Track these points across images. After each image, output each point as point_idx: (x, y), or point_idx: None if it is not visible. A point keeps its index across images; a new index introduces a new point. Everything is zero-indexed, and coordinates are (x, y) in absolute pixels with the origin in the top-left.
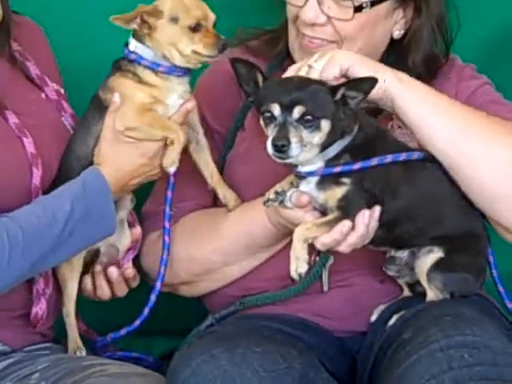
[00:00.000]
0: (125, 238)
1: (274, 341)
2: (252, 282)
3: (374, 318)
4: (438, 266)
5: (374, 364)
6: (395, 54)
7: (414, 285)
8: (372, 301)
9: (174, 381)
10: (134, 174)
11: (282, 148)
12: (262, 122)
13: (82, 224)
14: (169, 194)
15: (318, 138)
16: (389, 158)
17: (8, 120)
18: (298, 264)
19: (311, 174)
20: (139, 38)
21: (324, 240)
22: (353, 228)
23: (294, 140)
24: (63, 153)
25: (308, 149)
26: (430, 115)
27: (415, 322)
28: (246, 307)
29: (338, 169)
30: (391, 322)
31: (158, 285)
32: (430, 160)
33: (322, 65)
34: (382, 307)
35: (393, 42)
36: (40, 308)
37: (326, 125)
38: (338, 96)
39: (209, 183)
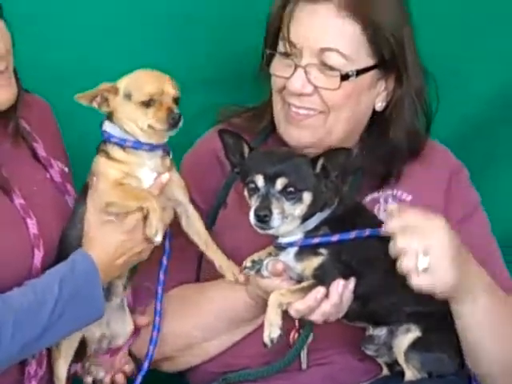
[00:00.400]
0: (127, 325)
1: None
2: (233, 359)
3: None
4: (415, 345)
5: None
6: (377, 129)
7: (393, 364)
8: (351, 379)
9: None
10: (118, 251)
11: (263, 218)
12: (246, 193)
13: (70, 305)
14: (164, 260)
15: (299, 209)
16: (367, 232)
17: (13, 200)
18: (271, 329)
19: (291, 244)
20: (110, 117)
21: (298, 306)
22: (327, 296)
23: (275, 211)
24: (60, 238)
25: (289, 220)
26: (484, 339)
27: None
28: (228, 383)
29: (316, 240)
30: None
31: (146, 365)
32: None
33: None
34: None
35: (374, 114)
36: None
37: (307, 197)
38: (318, 168)
39: (204, 253)
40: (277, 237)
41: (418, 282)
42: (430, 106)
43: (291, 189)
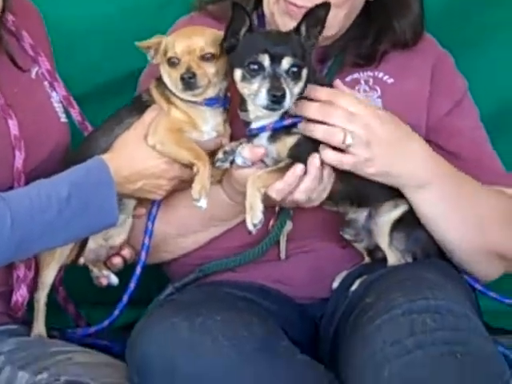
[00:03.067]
0: (120, 236)
1: (234, 308)
2: (210, 251)
3: (335, 284)
4: (400, 222)
5: (336, 330)
6: (380, 19)
7: (374, 251)
8: (334, 267)
9: (135, 350)
10: (141, 173)
11: (280, 98)
12: (239, 75)
13: (78, 213)
14: (149, 224)
15: (298, 87)
16: None
17: None
18: (253, 214)
19: (262, 129)
20: None
21: (278, 186)
22: (306, 173)
23: (287, 91)
24: (83, 140)
25: (292, 99)
26: (446, 213)
27: (378, 287)
28: (205, 274)
29: (288, 121)
30: (354, 287)
31: (143, 255)
32: None
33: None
34: (343, 273)
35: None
36: (20, 295)
37: (305, 74)
38: (303, 33)
39: None
40: (249, 123)
41: (345, 159)
42: None
43: (294, 68)
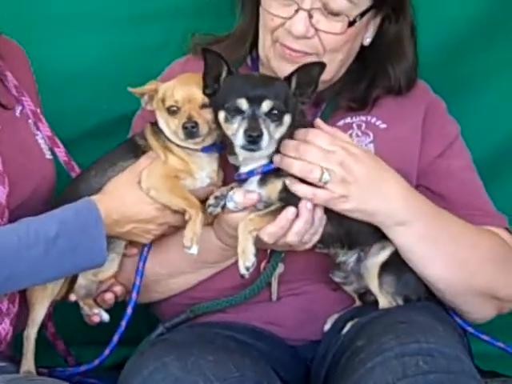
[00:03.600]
0: (109, 271)
1: (226, 349)
2: (200, 293)
3: (327, 326)
4: (387, 265)
5: (327, 372)
6: (375, 64)
7: (364, 294)
8: (325, 309)
9: None
10: (132, 218)
11: (256, 138)
12: (222, 117)
13: (66, 254)
14: (140, 265)
15: (279, 132)
16: None
17: None
18: (245, 258)
19: (252, 173)
20: None
21: (270, 229)
22: (297, 216)
23: (265, 131)
24: (73, 180)
25: (272, 143)
26: (428, 253)
27: (369, 330)
28: (196, 315)
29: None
30: (345, 329)
31: (134, 295)
32: None
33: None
34: (335, 316)
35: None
36: (3, 328)
37: (287, 119)
38: (293, 85)
39: None
40: (238, 168)
41: (320, 194)
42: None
43: (275, 111)
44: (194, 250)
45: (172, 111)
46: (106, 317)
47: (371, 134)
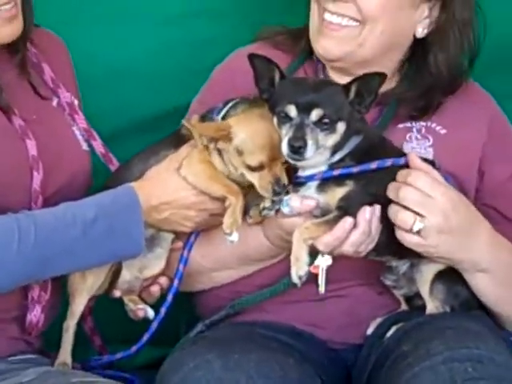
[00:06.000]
0: (155, 267)
1: (269, 348)
2: (243, 287)
3: (370, 330)
4: (441, 275)
5: (369, 376)
6: (419, 59)
7: (412, 299)
8: (369, 313)
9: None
10: (171, 204)
11: (298, 149)
12: (275, 121)
13: (103, 236)
14: (185, 252)
15: (332, 140)
16: (389, 162)
17: (13, 122)
18: (298, 266)
19: (311, 178)
20: None
21: (326, 239)
22: (355, 226)
23: (310, 142)
24: (117, 168)
25: (321, 151)
26: (503, 297)
27: (416, 334)
28: (236, 311)
29: (337, 171)
30: (390, 333)
31: (176, 282)
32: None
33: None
34: (379, 320)
35: (416, 43)
36: (34, 315)
37: (341, 127)
38: (352, 94)
39: None
40: (296, 170)
41: (409, 239)
42: (478, 41)
43: (326, 120)
44: (235, 236)
45: (254, 168)
46: (151, 313)
47: (431, 138)
